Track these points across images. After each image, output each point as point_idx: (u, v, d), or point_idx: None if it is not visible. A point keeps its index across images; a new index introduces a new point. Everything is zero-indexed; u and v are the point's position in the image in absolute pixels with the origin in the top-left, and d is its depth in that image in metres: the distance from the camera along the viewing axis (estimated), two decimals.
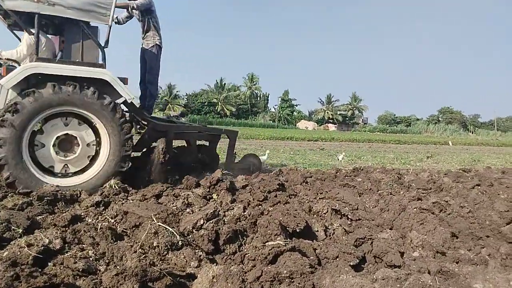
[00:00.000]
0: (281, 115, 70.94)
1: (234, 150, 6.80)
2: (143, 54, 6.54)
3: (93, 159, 4.93)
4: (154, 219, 2.96)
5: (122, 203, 3.95)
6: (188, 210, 3.87)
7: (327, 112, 77.79)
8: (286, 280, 2.35)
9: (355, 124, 79.60)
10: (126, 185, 4.71)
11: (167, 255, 2.66)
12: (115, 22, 6.48)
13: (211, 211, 3.24)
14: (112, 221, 3.56)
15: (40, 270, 2.34)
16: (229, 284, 2.03)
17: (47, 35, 5.49)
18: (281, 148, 15.77)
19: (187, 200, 4.16)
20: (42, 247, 2.55)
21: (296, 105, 77.41)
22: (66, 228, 3.25)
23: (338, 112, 78.71)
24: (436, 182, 6.25)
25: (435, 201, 4.60)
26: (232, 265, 2.62)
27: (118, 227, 3.26)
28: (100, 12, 4.79)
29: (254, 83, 73.74)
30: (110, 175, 4.86)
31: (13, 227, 3.12)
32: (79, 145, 4.79)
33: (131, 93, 5.05)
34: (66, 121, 4.78)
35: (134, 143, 5.59)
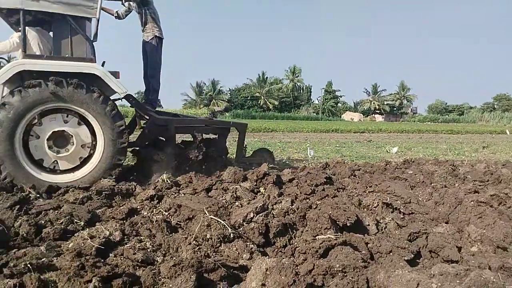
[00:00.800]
0: (325, 107, 69.96)
1: (244, 144, 6.55)
2: (144, 47, 6.47)
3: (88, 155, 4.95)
4: (206, 212, 3.04)
5: (175, 197, 4.10)
6: (237, 203, 3.93)
7: (374, 103, 75.74)
8: (339, 274, 2.33)
9: (404, 114, 76.94)
10: (177, 179, 4.87)
11: (219, 247, 2.73)
12: (115, 17, 6.44)
13: (260, 204, 3.27)
14: (166, 214, 3.70)
15: (102, 260, 2.49)
16: (282, 277, 2.05)
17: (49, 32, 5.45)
18: (326, 141, 15.57)
19: (235, 193, 4.22)
20: (104, 239, 2.71)
21: (341, 96, 76.09)
22: (124, 221, 3.42)
23: (385, 102, 76.37)
24: (494, 173, 5.91)
25: (494, 193, 4.36)
26: (284, 258, 2.64)
27: (172, 219, 3.39)
28: (87, 5, 4.67)
29: (297, 75, 73.22)
30: (107, 169, 4.87)
31: (75, 220, 3.33)
32: (73, 141, 4.79)
33: (123, 86, 4.91)
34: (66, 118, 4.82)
35: (136, 138, 5.70)
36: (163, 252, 2.76)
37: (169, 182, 4.66)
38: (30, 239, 3.00)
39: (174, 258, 2.62)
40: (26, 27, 4.82)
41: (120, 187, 4.39)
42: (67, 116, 4.82)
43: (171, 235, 2.98)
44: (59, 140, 4.79)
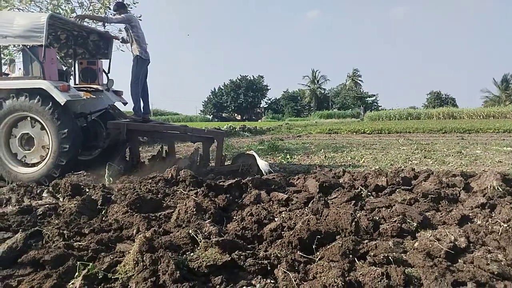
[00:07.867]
0: None
1: (223, 152, 6.77)
2: None
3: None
4: None
5: (511, 207, 3.64)
6: None
7: None
8: None
9: None
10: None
11: None
12: (121, 42, 7.80)
13: None
14: (505, 225, 3.33)
15: (454, 265, 2.46)
16: None
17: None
18: None
19: None
20: (450, 243, 2.68)
21: None
22: (458, 227, 3.30)
23: None
24: None
25: None
26: None
27: None
28: (36, 35, 5.74)
29: None
30: (53, 167, 5.85)
31: (408, 220, 3.47)
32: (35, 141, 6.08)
33: (63, 97, 5.77)
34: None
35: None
36: None
37: (501, 190, 4.19)
38: (370, 233, 3.33)
39: None
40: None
41: (445, 191, 4.27)
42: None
43: None
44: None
